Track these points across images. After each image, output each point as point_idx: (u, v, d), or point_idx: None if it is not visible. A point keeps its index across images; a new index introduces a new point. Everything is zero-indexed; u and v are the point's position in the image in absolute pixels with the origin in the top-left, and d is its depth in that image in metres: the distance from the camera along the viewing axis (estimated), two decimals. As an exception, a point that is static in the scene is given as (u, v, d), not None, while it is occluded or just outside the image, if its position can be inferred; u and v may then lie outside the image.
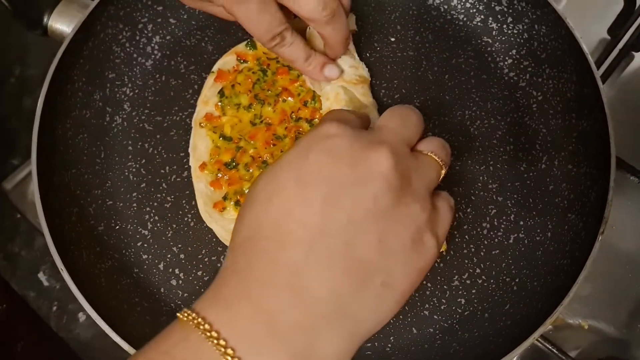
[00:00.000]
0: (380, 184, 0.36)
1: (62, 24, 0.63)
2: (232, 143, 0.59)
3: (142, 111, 0.63)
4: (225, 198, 0.57)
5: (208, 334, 0.33)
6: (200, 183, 0.58)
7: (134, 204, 0.60)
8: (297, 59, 0.55)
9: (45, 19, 0.62)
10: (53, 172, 0.57)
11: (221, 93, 0.61)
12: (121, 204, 0.60)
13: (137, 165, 0.61)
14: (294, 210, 0.36)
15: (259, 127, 0.59)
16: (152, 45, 0.66)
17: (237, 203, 0.57)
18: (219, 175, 0.58)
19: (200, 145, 0.60)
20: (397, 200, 0.36)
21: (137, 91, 0.64)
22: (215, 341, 0.32)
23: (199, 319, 0.34)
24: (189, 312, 0.34)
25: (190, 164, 0.60)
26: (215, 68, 0.63)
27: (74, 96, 0.60)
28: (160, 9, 0.66)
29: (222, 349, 0.32)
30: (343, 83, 0.57)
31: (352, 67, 0.59)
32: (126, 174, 0.61)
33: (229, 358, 0.32)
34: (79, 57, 0.61)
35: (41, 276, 0.66)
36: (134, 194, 0.60)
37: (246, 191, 0.57)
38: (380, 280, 0.35)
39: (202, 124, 0.60)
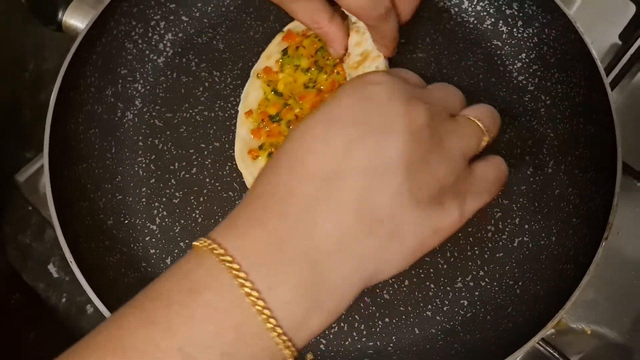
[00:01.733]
0: (409, 136, 0.36)
1: (77, 19, 0.64)
2: (282, 99, 0.61)
3: (152, 107, 0.64)
4: (260, 147, 0.59)
5: (222, 257, 0.34)
6: (243, 129, 0.61)
7: (143, 199, 0.61)
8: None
9: (59, 15, 0.63)
10: (64, 166, 0.58)
11: (284, 51, 0.63)
12: (130, 199, 0.61)
13: (147, 161, 0.62)
14: (317, 147, 0.36)
15: (310, 90, 0.61)
16: (164, 42, 0.67)
17: (270, 155, 0.59)
18: (262, 125, 0.60)
19: (252, 95, 0.62)
20: (422, 157, 0.36)
21: (148, 87, 0.65)
22: (229, 264, 0.34)
23: (214, 245, 0.35)
24: (205, 239, 0.36)
25: (233, 111, 0.62)
26: (286, 28, 0.65)
27: (86, 91, 0.61)
28: (173, 6, 0.67)
29: (235, 272, 0.34)
30: None
31: None
32: (136, 169, 0.62)
33: (241, 281, 0.33)
34: (92, 52, 0.62)
35: (51, 268, 0.67)
36: (143, 189, 0.61)
37: None
38: (388, 231, 0.36)
39: (259, 75, 0.63)
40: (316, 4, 0.55)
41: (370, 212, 0.35)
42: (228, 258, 0.34)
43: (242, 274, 0.34)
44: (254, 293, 0.33)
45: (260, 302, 0.33)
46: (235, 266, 0.34)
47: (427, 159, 0.36)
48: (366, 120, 0.37)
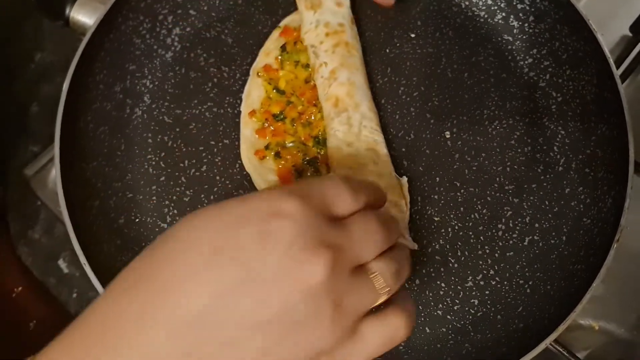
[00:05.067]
0: (298, 295, 0.32)
1: (84, 15, 0.63)
2: (284, 97, 0.61)
3: (161, 104, 0.64)
4: (267, 147, 0.59)
5: None
6: (247, 129, 0.61)
7: (154, 197, 0.60)
8: None
9: (67, 11, 0.63)
10: (75, 165, 0.58)
11: (283, 48, 0.63)
12: (141, 197, 0.60)
13: (157, 158, 0.62)
14: (184, 284, 0.32)
15: (309, 85, 0.61)
16: (172, 37, 0.66)
17: (277, 154, 0.59)
18: (266, 124, 0.60)
19: (254, 94, 0.62)
20: (308, 318, 0.32)
21: (157, 83, 0.65)
22: None
23: None
24: None
25: (240, 109, 0.62)
26: (282, 23, 0.65)
27: (95, 88, 0.61)
28: (181, 0, 0.66)
29: None
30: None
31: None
32: (146, 166, 0.61)
33: None
34: (100, 49, 0.61)
35: (61, 263, 0.67)
36: (154, 187, 0.61)
37: (288, 144, 0.59)
38: None
39: (259, 74, 0.63)
40: None
41: None
42: None
43: None
44: None
45: None
46: None
47: (314, 321, 0.33)
48: (259, 263, 0.32)
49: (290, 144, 0.59)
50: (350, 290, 0.34)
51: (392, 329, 0.36)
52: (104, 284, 0.52)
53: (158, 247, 0.34)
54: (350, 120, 0.57)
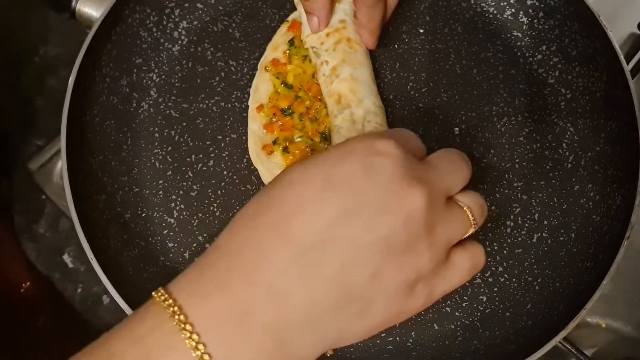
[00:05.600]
0: (401, 222, 0.36)
1: (90, 7, 0.62)
2: (292, 91, 0.61)
3: (168, 97, 0.63)
4: (275, 142, 0.59)
5: (182, 325, 0.33)
6: (255, 124, 0.60)
7: (160, 192, 0.60)
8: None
9: (73, 3, 0.62)
10: (81, 159, 0.57)
11: (291, 42, 0.62)
12: (147, 192, 0.60)
13: (164, 153, 0.61)
14: (307, 207, 0.36)
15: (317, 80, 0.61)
16: (179, 30, 0.66)
17: (285, 149, 0.58)
18: (274, 119, 0.60)
19: (262, 88, 0.61)
20: (410, 243, 0.36)
21: (163, 77, 0.64)
22: (188, 334, 0.33)
23: (175, 308, 0.34)
24: (166, 295, 0.35)
25: (248, 104, 0.61)
26: (290, 18, 0.64)
27: (101, 82, 0.60)
28: (188, -7, 0.66)
29: (194, 343, 0.33)
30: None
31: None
32: (152, 161, 0.61)
33: (199, 353, 0.33)
34: (107, 42, 0.60)
35: (66, 258, 0.67)
36: (160, 181, 0.60)
37: (296, 139, 0.59)
38: (358, 308, 0.36)
39: (267, 68, 0.62)
40: None
41: (345, 289, 0.35)
42: (188, 327, 0.33)
43: (200, 346, 0.33)
44: None
45: None
46: (195, 337, 0.33)
47: (414, 245, 0.36)
48: (365, 192, 0.36)
49: (299, 139, 0.58)
50: (444, 220, 0.38)
51: (475, 256, 0.41)
52: (111, 278, 0.51)
53: (273, 188, 0.38)
54: (353, 116, 0.56)
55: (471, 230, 0.41)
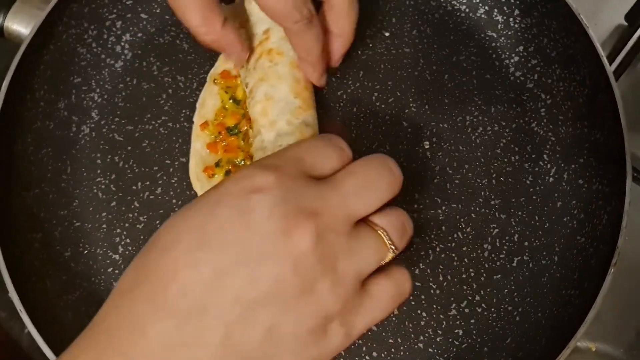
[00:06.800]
0: (289, 266, 0.32)
1: (20, 24, 0.57)
2: (240, 109, 0.55)
3: (111, 119, 0.58)
4: (217, 164, 0.54)
5: None
6: (198, 142, 0.55)
7: (104, 225, 0.55)
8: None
9: (0, 19, 0.56)
10: (12, 193, 0.52)
11: None
12: (90, 226, 0.55)
13: (107, 181, 0.56)
14: (179, 273, 0.32)
15: None
16: (122, 44, 0.60)
17: (227, 173, 0.53)
18: (218, 138, 0.55)
19: (209, 103, 0.56)
20: (305, 287, 0.32)
21: (106, 97, 0.59)
22: None
23: None
24: None
25: (193, 120, 0.56)
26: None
27: (35, 107, 0.55)
28: (130, 3, 0.60)
29: None
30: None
31: None
32: (95, 191, 0.56)
33: None
34: (39, 62, 0.55)
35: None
36: (104, 213, 0.55)
37: (239, 163, 0.53)
38: None
39: (216, 81, 0.57)
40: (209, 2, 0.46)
41: (240, 353, 0.32)
42: None
43: None
44: None
45: None
46: None
47: (311, 289, 0.32)
48: (243, 242, 0.32)
49: (242, 162, 0.53)
50: (349, 251, 0.34)
51: (399, 283, 0.36)
52: (45, 330, 0.47)
53: (149, 252, 0.35)
54: (263, 143, 0.49)
55: (390, 256, 0.36)
